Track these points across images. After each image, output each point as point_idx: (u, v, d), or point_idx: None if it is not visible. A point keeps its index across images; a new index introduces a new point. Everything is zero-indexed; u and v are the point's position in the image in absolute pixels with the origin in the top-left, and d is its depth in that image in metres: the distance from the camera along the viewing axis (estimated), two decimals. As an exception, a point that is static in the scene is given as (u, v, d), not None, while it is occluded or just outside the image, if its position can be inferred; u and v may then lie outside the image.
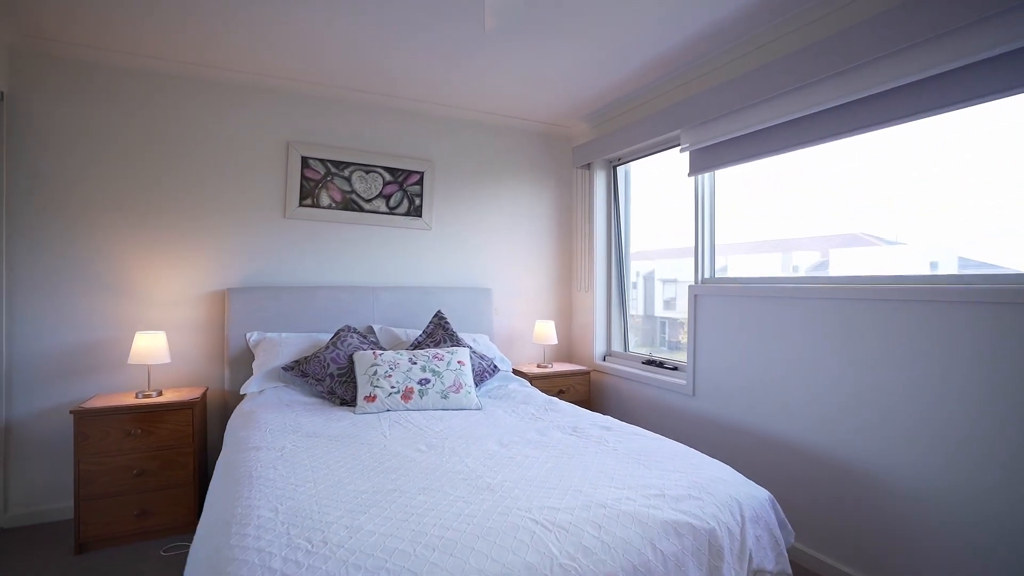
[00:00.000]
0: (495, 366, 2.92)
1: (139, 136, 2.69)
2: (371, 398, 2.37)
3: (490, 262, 3.57)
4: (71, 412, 2.26)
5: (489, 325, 3.43)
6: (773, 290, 2.33)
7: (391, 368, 2.50)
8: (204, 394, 2.63)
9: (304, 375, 2.54)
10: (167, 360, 2.54)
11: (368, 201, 3.20)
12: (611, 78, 2.87)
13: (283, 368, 2.55)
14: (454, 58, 2.63)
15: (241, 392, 2.53)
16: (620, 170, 3.60)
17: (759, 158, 2.40)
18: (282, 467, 1.62)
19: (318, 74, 2.86)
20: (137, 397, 2.45)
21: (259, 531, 1.19)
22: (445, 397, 2.44)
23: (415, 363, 2.55)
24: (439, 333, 2.92)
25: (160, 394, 2.53)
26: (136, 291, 2.68)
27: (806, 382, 2.19)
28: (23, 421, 2.49)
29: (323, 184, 3.09)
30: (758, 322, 2.40)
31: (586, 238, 3.69)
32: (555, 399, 2.61)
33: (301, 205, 3.04)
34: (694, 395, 2.79)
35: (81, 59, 2.57)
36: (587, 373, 3.43)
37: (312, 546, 1.13)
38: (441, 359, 2.61)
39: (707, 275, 2.89)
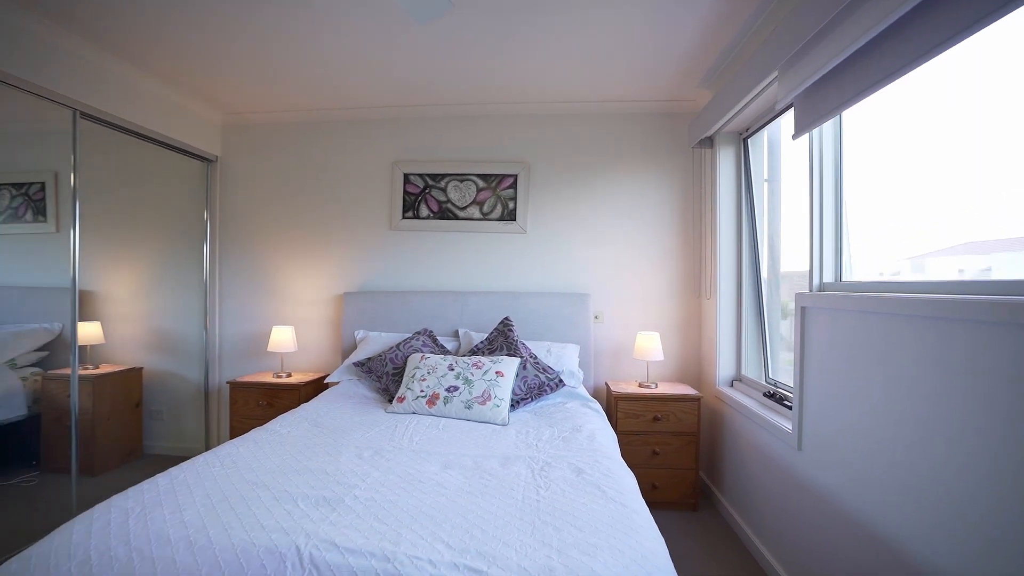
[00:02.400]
0: (560, 381, 2.63)
1: (286, 174, 3.45)
2: (401, 399, 2.46)
3: (590, 265, 3.23)
4: (227, 383, 3.06)
5: (585, 334, 3.10)
6: (931, 305, 1.30)
7: (428, 372, 2.54)
8: (319, 379, 3.18)
9: (369, 372, 2.81)
10: (294, 349, 3.19)
11: (462, 209, 3.32)
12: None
13: (354, 364, 2.88)
14: (551, 48, 2.48)
15: (325, 381, 2.97)
16: (754, 143, 2.78)
17: (898, 75, 1.39)
18: (250, 449, 1.85)
19: (419, 97, 3.13)
20: (274, 377, 3.15)
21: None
22: (468, 407, 2.35)
23: (453, 369, 2.53)
24: (499, 340, 2.81)
25: (289, 376, 3.18)
26: (280, 294, 3.44)
27: (960, 463, 1.29)
28: (220, 385, 3.48)
29: (422, 197, 3.35)
30: (902, 353, 1.43)
31: (708, 233, 2.97)
32: (590, 426, 2.19)
33: (404, 217, 3.36)
34: (800, 448, 1.95)
35: (258, 123, 3.45)
36: (696, 400, 2.76)
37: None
38: (480, 367, 2.52)
39: (828, 279, 1.99)
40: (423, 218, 3.35)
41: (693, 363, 3.17)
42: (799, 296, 1.98)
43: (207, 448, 3.48)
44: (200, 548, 1.16)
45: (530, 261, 3.27)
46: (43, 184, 3.25)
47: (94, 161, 2.76)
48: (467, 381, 2.46)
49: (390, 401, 2.63)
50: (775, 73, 1.97)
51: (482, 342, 2.86)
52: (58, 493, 2.75)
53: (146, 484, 1.49)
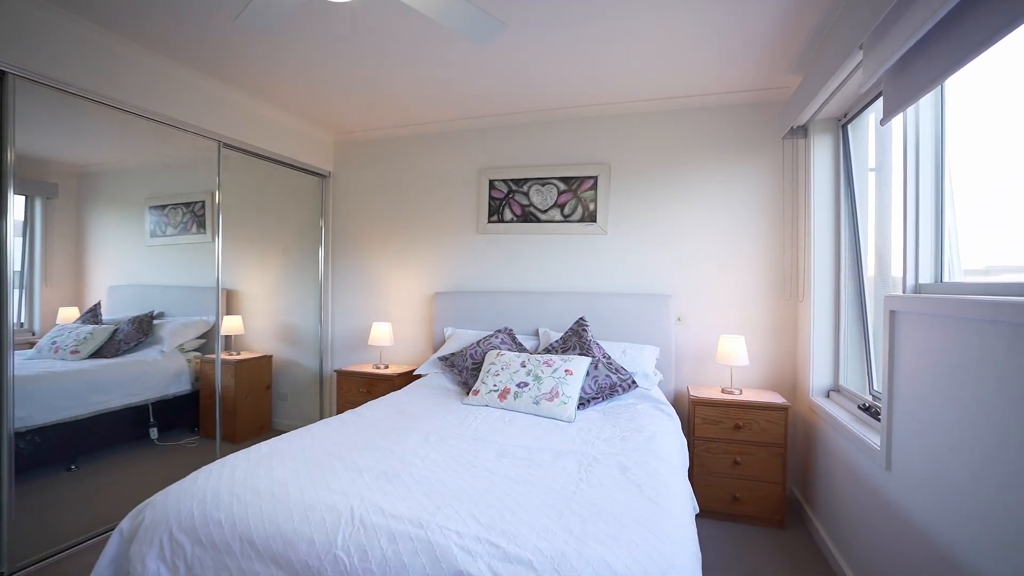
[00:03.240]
0: (632, 382, 2.63)
1: (387, 184, 3.82)
2: (476, 392, 2.63)
3: (672, 266, 3.14)
4: (335, 371, 3.48)
5: (665, 336, 3.04)
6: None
7: (502, 368, 2.69)
8: (411, 371, 3.49)
9: (452, 366, 3.03)
10: (391, 344, 3.53)
11: (544, 212, 3.42)
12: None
13: (439, 358, 3.12)
14: (619, 47, 2.47)
15: (414, 373, 3.25)
16: (855, 129, 2.52)
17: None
18: (338, 427, 2.13)
19: (501, 107, 3.30)
20: (374, 368, 3.51)
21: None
22: (536, 403, 2.44)
23: (524, 366, 2.65)
24: (573, 340, 2.86)
25: (387, 367, 3.53)
26: (381, 293, 3.82)
27: None
28: (331, 373, 3.95)
29: (506, 201, 3.51)
30: (1007, 366, 1.24)
31: (802, 231, 2.75)
32: (654, 428, 2.17)
33: (489, 222, 3.55)
34: (889, 468, 1.77)
35: (364, 140, 3.88)
36: (783, 409, 2.57)
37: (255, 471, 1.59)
38: (550, 365, 2.60)
39: (925, 279, 1.77)
40: (507, 222, 3.51)
41: (785, 371, 2.94)
42: (888, 299, 1.78)
43: (323, 427, 4.00)
44: (280, 500, 1.41)
45: (610, 262, 3.27)
46: (203, 202, 3.97)
47: (236, 181, 3.31)
48: (537, 378, 2.55)
49: (468, 394, 2.82)
50: (860, 48, 1.80)
51: (557, 341, 2.94)
52: (207, 455, 3.36)
53: (253, 448, 1.81)
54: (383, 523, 1.29)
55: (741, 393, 2.76)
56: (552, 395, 2.45)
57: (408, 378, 3.41)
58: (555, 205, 3.39)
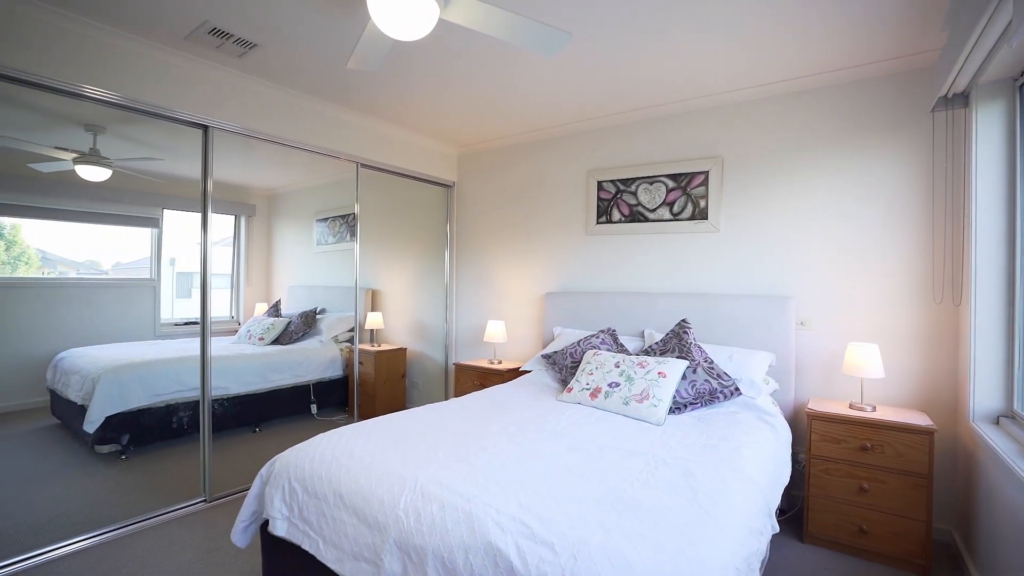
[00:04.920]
0: (736, 389, 2.46)
1: (503, 190, 4.06)
2: (570, 390, 2.70)
3: (793, 264, 2.84)
4: (454, 364, 3.82)
5: (784, 342, 2.76)
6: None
7: (596, 367, 2.71)
8: (517, 368, 3.67)
9: (554, 363, 3.13)
10: (504, 341, 3.76)
11: (652, 211, 3.34)
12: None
13: (543, 356, 3.23)
14: (742, 22, 2.27)
15: (520, 369, 3.40)
16: (1034, 92, 2.04)
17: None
18: (436, 413, 2.38)
19: (612, 108, 3.32)
20: (488, 363, 3.77)
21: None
22: (626, 404, 2.43)
23: (618, 367, 2.64)
24: (673, 342, 2.76)
25: (500, 363, 3.76)
26: (497, 293, 4.06)
27: None
28: (452, 366, 4.31)
29: (613, 202, 3.50)
30: None
31: (961, 221, 2.29)
32: (744, 439, 2.02)
33: (598, 223, 3.58)
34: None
35: (482, 151, 4.18)
36: (928, 433, 2.17)
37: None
38: (643, 367, 2.56)
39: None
40: (615, 222, 3.50)
41: (935, 388, 2.47)
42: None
43: (448, 415, 4.40)
44: (365, 464, 1.67)
45: (722, 261, 3.07)
46: (354, 214, 4.65)
47: (375, 195, 3.84)
48: (629, 379, 2.53)
49: (564, 391, 2.89)
50: None
51: (656, 343, 2.87)
52: (353, 430, 3.94)
53: (360, 423, 2.13)
54: (438, 493, 1.45)
55: (874, 410, 2.40)
56: (642, 397, 2.41)
57: (516, 374, 3.59)
58: (663, 203, 3.29)
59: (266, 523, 1.87)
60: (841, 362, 2.67)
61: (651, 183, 3.34)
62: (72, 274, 4.20)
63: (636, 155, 3.41)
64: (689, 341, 2.71)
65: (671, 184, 3.26)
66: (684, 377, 2.51)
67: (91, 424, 3.16)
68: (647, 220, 3.36)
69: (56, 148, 3.44)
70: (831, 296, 2.73)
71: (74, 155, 3.46)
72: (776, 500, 1.74)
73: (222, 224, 4.91)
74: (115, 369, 3.30)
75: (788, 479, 2.01)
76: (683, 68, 2.70)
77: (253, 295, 5.43)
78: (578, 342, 3.10)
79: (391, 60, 2.66)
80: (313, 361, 4.21)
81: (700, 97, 3.07)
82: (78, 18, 2.29)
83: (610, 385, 2.56)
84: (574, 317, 3.55)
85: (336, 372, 4.36)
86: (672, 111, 3.22)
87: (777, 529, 1.63)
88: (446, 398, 4.38)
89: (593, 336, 3.10)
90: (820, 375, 2.76)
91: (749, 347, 2.82)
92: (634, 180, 3.41)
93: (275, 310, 4.77)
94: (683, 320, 2.83)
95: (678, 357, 2.64)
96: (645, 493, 1.47)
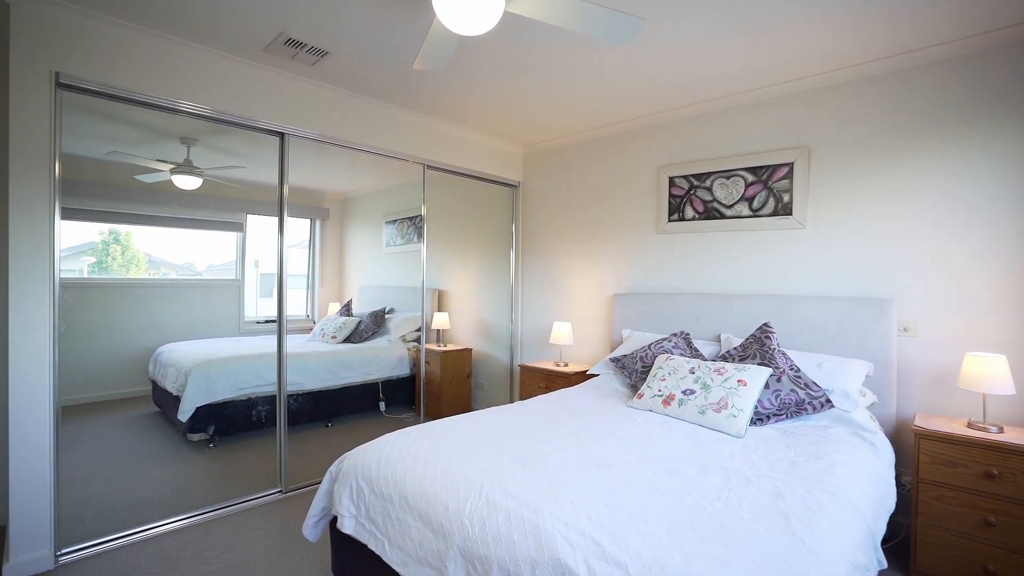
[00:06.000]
0: (827, 401, 2.23)
1: (569, 189, 3.96)
2: (640, 396, 2.57)
3: (893, 263, 2.54)
4: (519, 366, 3.77)
5: (883, 350, 2.48)
6: None
7: (669, 373, 2.56)
8: (584, 371, 3.56)
9: (623, 367, 3.00)
10: (570, 343, 3.67)
11: (729, 207, 3.13)
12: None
13: (611, 359, 3.10)
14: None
15: (587, 372, 3.29)
16: None
17: None
18: (502, 416, 2.34)
19: (685, 98, 3.14)
20: (554, 365, 3.69)
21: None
22: (702, 413, 2.27)
23: (693, 373, 2.48)
24: (753, 348, 2.55)
25: (566, 365, 3.67)
26: (563, 293, 3.97)
27: None
28: (517, 368, 4.27)
29: (687, 198, 3.31)
30: None
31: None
32: (840, 458, 1.81)
33: (669, 221, 3.40)
34: None
35: (547, 150, 4.11)
36: (1071, 461, 1.85)
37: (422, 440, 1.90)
38: (721, 374, 2.38)
39: None
40: (688, 220, 3.31)
41: (1088, 407, 2.11)
42: None
43: (511, 417, 4.37)
44: (430, 467, 1.65)
45: (809, 261, 2.81)
46: (422, 215, 4.73)
47: (442, 196, 3.87)
48: (705, 386, 2.37)
49: (634, 396, 2.76)
50: None
51: (735, 348, 2.66)
52: (418, 429, 4.00)
53: (426, 424, 2.13)
54: (503, 501, 1.40)
55: (1000, 432, 2.09)
56: (720, 406, 2.24)
57: (583, 377, 3.49)
58: (742, 199, 3.07)
59: (335, 519, 1.91)
60: (955, 374, 2.35)
61: (728, 177, 3.13)
62: (173, 275, 4.58)
63: (711, 148, 3.20)
64: (772, 347, 2.49)
65: (750, 178, 3.03)
66: (767, 386, 2.31)
67: (184, 414, 3.39)
68: (723, 217, 3.15)
69: (157, 160, 3.76)
70: (942, 299, 2.42)
71: (171, 166, 3.75)
72: (881, 530, 1.54)
73: (299, 227, 5.16)
74: (204, 363, 3.53)
75: (894, 506, 1.78)
76: (768, 51, 2.49)
77: (327, 295, 5.67)
78: (648, 346, 2.95)
79: (455, 59, 2.66)
80: (382, 360, 4.32)
81: (785, 82, 2.83)
82: (173, 39, 2.46)
83: (684, 392, 2.40)
84: (644, 319, 3.39)
85: (404, 371, 4.45)
86: (752, 99, 2.99)
87: (884, 564, 1.44)
88: (511, 399, 4.34)
89: (665, 340, 2.94)
90: (928, 388, 2.45)
91: (840, 354, 2.56)
92: (709, 175, 3.21)
93: (347, 309, 4.95)
94: (765, 324, 2.62)
95: (759, 364, 2.44)
96: (728, 514, 1.34)
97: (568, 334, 3.66)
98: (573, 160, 3.96)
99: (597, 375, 3.17)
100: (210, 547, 2.37)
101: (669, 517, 1.32)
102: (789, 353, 2.54)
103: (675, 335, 2.97)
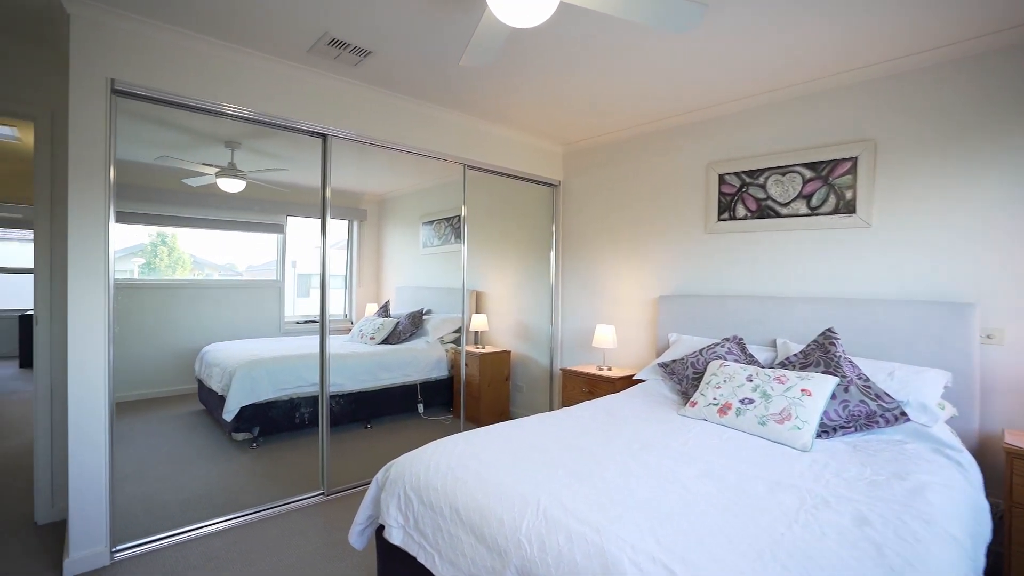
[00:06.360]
0: (901, 413, 2.07)
1: (611, 188, 3.85)
2: (694, 403, 2.44)
3: (974, 264, 2.34)
4: (561, 370, 3.68)
5: (963, 358, 2.28)
6: None
7: (725, 380, 2.43)
8: (630, 376, 3.44)
9: (672, 373, 2.87)
10: (614, 346, 3.56)
11: (784, 205, 2.96)
12: None
13: (659, 364, 2.98)
14: None
15: (634, 378, 3.17)
16: None
17: None
18: (549, 423, 2.26)
19: (738, 91, 2.99)
20: (597, 369, 3.59)
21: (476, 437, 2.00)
22: (762, 424, 2.14)
23: (751, 380, 2.35)
24: (816, 355, 2.40)
25: (609, 369, 3.56)
26: (605, 295, 3.85)
27: None
28: (558, 371, 4.17)
29: (738, 196, 3.16)
30: None
31: None
32: (925, 479, 1.65)
33: (719, 220, 3.25)
34: None
35: (588, 148, 4.00)
36: None
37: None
38: (782, 382, 2.24)
39: None
40: (739, 219, 3.16)
41: None
42: None
43: (550, 421, 4.28)
44: (482, 479, 1.58)
45: (876, 261, 2.63)
46: (459, 216, 4.68)
47: (480, 196, 3.82)
48: (765, 395, 2.23)
49: (685, 404, 2.63)
50: None
51: (795, 355, 2.51)
52: (457, 431, 3.95)
53: (473, 432, 2.07)
54: (563, 520, 1.32)
55: (1106, 451, 1.88)
56: (783, 417, 2.10)
57: (628, 382, 3.37)
58: (799, 196, 2.90)
59: (382, 527, 1.87)
60: (1048, 386, 2.14)
61: (783, 174, 2.96)
62: (216, 276, 4.69)
63: (765, 143, 3.04)
64: (837, 354, 2.33)
65: (808, 174, 2.86)
66: (833, 396, 2.15)
67: (229, 413, 3.44)
68: (779, 215, 2.98)
69: (203, 164, 3.83)
70: (1031, 303, 2.21)
71: (216, 169, 3.82)
72: (982, 563, 1.39)
73: (337, 228, 5.21)
74: (248, 364, 3.57)
75: (991, 534, 1.62)
76: (832, 37, 2.33)
77: (364, 295, 5.71)
78: (700, 351, 2.82)
79: (500, 56, 2.59)
80: (420, 361, 4.30)
81: (849, 71, 2.65)
82: (221, 43, 2.47)
83: (742, 401, 2.27)
84: (692, 323, 3.26)
85: (441, 373, 4.42)
86: (812, 90, 2.82)
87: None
88: (551, 403, 4.25)
89: (717, 345, 2.80)
90: (1016, 401, 2.24)
91: (914, 363, 2.38)
92: (763, 171, 3.05)
93: (384, 310, 4.96)
94: (828, 330, 2.46)
95: (824, 372, 2.28)
96: (811, 542, 1.22)
97: (612, 337, 3.55)
98: (615, 158, 3.84)
99: (644, 380, 3.06)
100: (256, 549, 2.37)
101: (746, 543, 1.21)
102: (856, 361, 2.37)
103: (727, 340, 2.83)
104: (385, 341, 4.48)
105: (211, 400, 3.87)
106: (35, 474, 2.60)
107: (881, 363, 2.35)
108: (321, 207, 2.97)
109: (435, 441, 1.95)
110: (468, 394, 4.12)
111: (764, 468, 1.75)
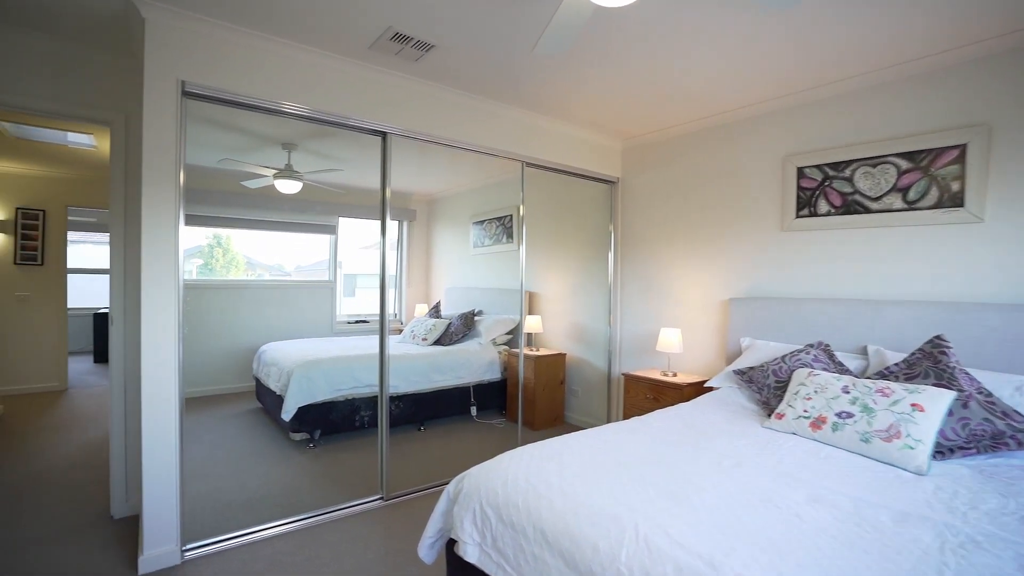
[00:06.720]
0: (1036, 433, 1.82)
1: (674, 185, 3.66)
2: (780, 415, 2.25)
3: (1118, 264, 2.05)
4: (622, 374, 3.52)
5: (1103, 372, 2.00)
6: None
7: (816, 391, 2.23)
8: (701, 382, 3.24)
9: (750, 381, 2.67)
10: (680, 351, 3.37)
11: (876, 199, 2.71)
12: None
13: (734, 372, 2.78)
14: None
15: (706, 385, 2.98)
16: None
17: None
18: (625, 434, 2.12)
19: (822, 76, 2.76)
20: (661, 374, 3.41)
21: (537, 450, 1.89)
22: (866, 441, 1.93)
23: (848, 392, 2.13)
24: (923, 364, 2.15)
25: (675, 375, 3.38)
26: (669, 297, 3.66)
27: None
28: (618, 375, 4.00)
29: (820, 191, 2.92)
30: None
31: None
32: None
33: (797, 216, 3.02)
34: None
35: (649, 143, 3.82)
36: None
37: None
38: (886, 395, 2.02)
39: None
40: (821, 215, 2.92)
41: None
42: None
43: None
44: (569, 497, 1.46)
45: (991, 260, 2.35)
46: (511, 216, 4.59)
47: (535, 194, 3.70)
48: (866, 409, 2.01)
49: (769, 416, 2.43)
50: None
51: (897, 364, 2.27)
52: (511, 437, 3.84)
53: (547, 442, 1.95)
54: (669, 549, 1.18)
55: None
56: (891, 434, 1.89)
57: (698, 389, 3.18)
58: (893, 189, 2.64)
59: (452, 541, 1.78)
60: None
61: (874, 165, 2.71)
62: (267, 276, 4.78)
63: (852, 132, 2.79)
64: (950, 364, 2.09)
65: (905, 164, 2.60)
66: (950, 413, 1.92)
67: (287, 413, 3.45)
68: (868, 211, 2.73)
69: (262, 166, 3.88)
70: None
71: (274, 171, 3.86)
72: None
73: (391, 228, 5.22)
74: (305, 364, 3.57)
75: None
76: (941, 9, 2.09)
77: (413, 296, 5.70)
78: (782, 358, 2.61)
79: (574, 44, 2.46)
80: (473, 363, 4.23)
81: (957, 48, 2.38)
82: (281, 40, 2.45)
83: (839, 415, 2.06)
84: (766, 327, 3.04)
85: (494, 375, 4.33)
86: (909, 72, 2.56)
87: None
88: (608, 409, 4.10)
89: (800, 351, 2.59)
90: None
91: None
92: (849, 163, 2.80)
93: (436, 311, 4.91)
94: (937, 337, 2.21)
95: (935, 384, 2.05)
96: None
97: (678, 341, 3.36)
98: (678, 153, 3.65)
99: (717, 388, 2.87)
100: (320, 555, 2.34)
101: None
102: (972, 372, 2.12)
103: (811, 346, 2.60)
104: (437, 342, 4.43)
105: (268, 399, 3.91)
106: (111, 469, 2.66)
107: (1004, 376, 2.09)
108: (381, 207, 2.92)
109: (508, 452, 1.85)
110: (523, 398, 4.00)
111: (880, 494, 1.55)
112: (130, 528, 2.53)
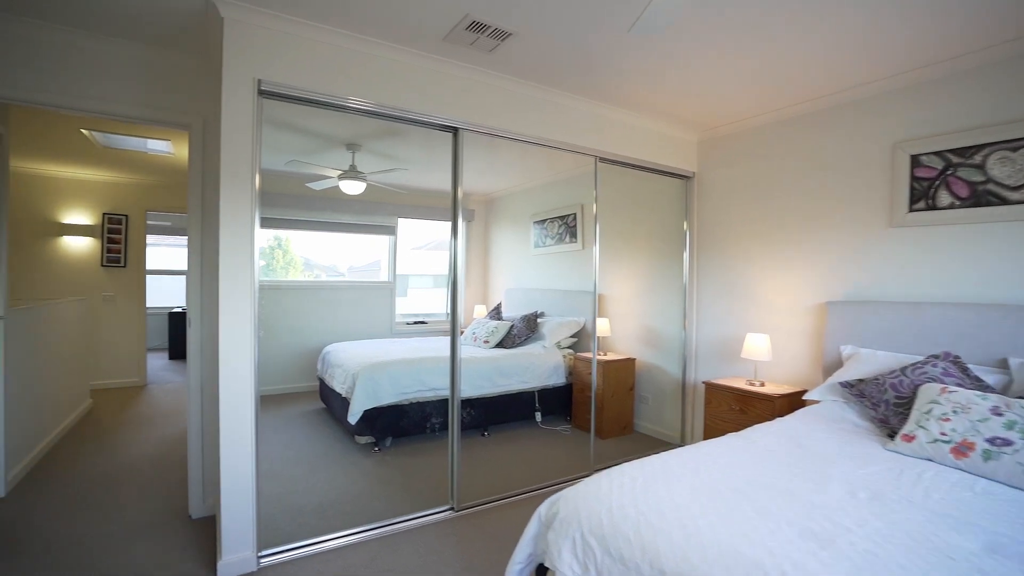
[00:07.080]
0: None
1: (757, 179, 3.36)
2: (909, 437, 1.96)
3: None
4: (703, 383, 3.27)
5: None
6: None
7: (956, 411, 1.92)
8: (796, 393, 2.95)
9: (861, 396, 2.38)
10: (768, 359, 3.09)
11: (1016, 188, 2.35)
12: None
13: (840, 384, 2.49)
14: None
15: (804, 397, 2.69)
16: None
17: None
18: (726, 452, 1.91)
19: (942, 52, 2.44)
20: (747, 384, 3.14)
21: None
22: (1032, 474, 1.63)
23: (1000, 415, 1.82)
24: (1095, 383, 1.81)
25: (763, 385, 3.10)
26: (753, 300, 3.37)
27: None
28: (695, 382, 3.74)
29: (940, 181, 2.57)
30: None
31: None
32: None
33: (911, 211, 2.68)
34: None
35: (728, 135, 3.54)
36: None
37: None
38: (1053, 419, 1.70)
39: None
40: (942, 208, 2.58)
41: None
42: None
43: (681, 436, 3.84)
44: (690, 533, 1.27)
45: None
46: (575, 214, 4.40)
47: (605, 190, 3.50)
48: (1027, 435, 1.71)
49: (890, 436, 2.14)
50: None
51: (1056, 381, 1.94)
52: (580, 446, 3.66)
53: (645, 461, 1.76)
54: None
55: None
56: (1065, 467, 1.58)
57: (792, 401, 2.89)
58: (1039, 176, 2.28)
59: (541, 567, 1.63)
60: None
61: (1015, 149, 2.35)
62: (323, 277, 4.81)
63: (986, 112, 2.44)
64: None
65: (1055, 147, 2.24)
66: None
67: (353, 416, 3.41)
68: (1004, 202, 2.38)
69: (328, 167, 3.88)
70: None
71: (339, 172, 3.85)
72: None
73: (441, 229, 5.15)
74: (370, 367, 3.52)
75: None
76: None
77: (471, 297, 5.61)
78: (901, 370, 2.30)
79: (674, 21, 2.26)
80: (538, 367, 4.08)
81: None
82: (352, 35, 2.37)
83: (991, 441, 1.76)
84: (873, 334, 2.71)
85: (559, 380, 4.17)
86: (1062, 40, 2.20)
87: None
88: (683, 418, 3.84)
89: (924, 363, 2.27)
90: None
91: None
92: (979, 148, 2.45)
93: (496, 313, 4.80)
94: (1112, 349, 1.86)
95: (1116, 408, 1.71)
96: None
97: (766, 348, 3.08)
98: (762, 145, 3.35)
99: (818, 401, 2.58)
100: (394, 568, 2.24)
101: None
102: None
103: (938, 357, 2.28)
104: (499, 345, 4.31)
105: (332, 400, 3.90)
106: (189, 469, 2.67)
107: None
108: (452, 205, 2.81)
109: (605, 473, 1.67)
110: (595, 406, 3.80)
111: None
112: (207, 529, 2.53)
